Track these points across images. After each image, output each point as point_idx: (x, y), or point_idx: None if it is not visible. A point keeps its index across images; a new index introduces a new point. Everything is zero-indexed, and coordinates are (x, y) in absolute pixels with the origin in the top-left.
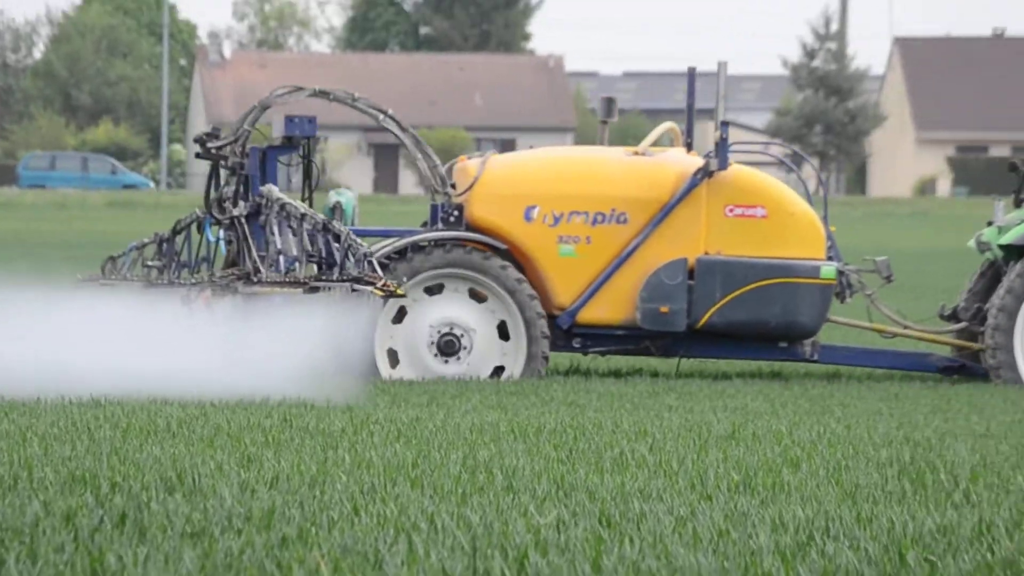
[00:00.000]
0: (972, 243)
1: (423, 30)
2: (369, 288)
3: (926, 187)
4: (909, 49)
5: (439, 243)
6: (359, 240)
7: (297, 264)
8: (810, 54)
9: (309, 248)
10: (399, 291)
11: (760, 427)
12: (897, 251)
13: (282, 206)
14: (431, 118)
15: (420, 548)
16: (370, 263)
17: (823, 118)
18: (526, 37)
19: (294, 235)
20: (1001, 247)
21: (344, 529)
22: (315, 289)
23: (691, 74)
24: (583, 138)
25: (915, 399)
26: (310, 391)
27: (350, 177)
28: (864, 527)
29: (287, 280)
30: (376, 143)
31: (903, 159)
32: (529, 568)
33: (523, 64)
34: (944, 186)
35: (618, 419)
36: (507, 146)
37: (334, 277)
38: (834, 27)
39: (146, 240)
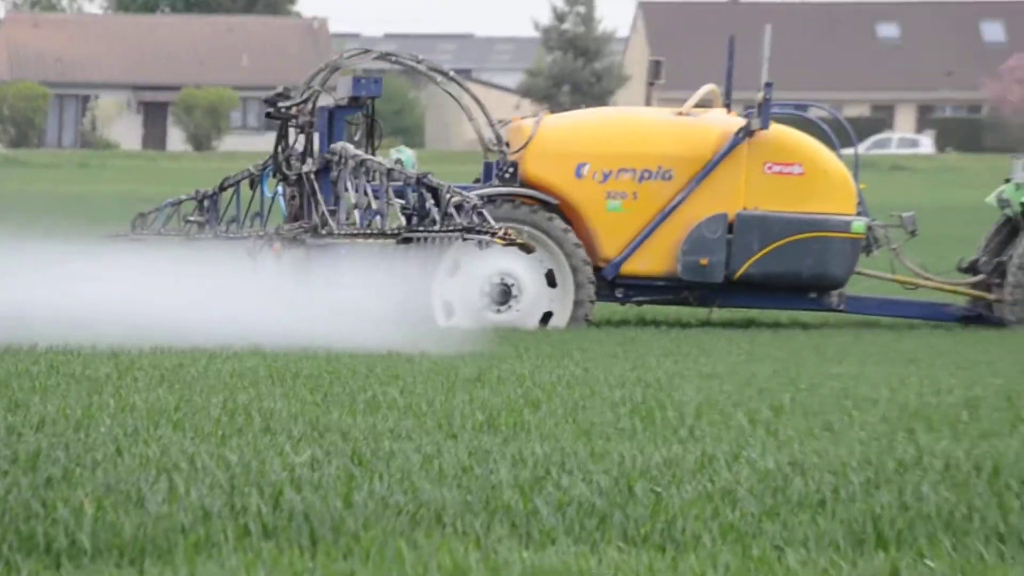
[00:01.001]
0: (991, 199)
1: None
2: (488, 237)
3: None
4: (651, 13)
5: (491, 199)
6: (466, 193)
7: (379, 216)
8: (560, 17)
9: (394, 201)
10: (520, 240)
11: (504, 370)
12: None
13: (361, 162)
14: (200, 77)
15: (181, 486)
16: (481, 214)
17: (571, 78)
18: (292, 0)
19: (374, 190)
20: (1022, 203)
21: (107, 469)
22: (408, 240)
23: (731, 43)
24: None
25: (648, 343)
26: (403, 342)
27: (121, 133)
28: (597, 462)
29: (373, 232)
30: (146, 101)
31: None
32: (284, 504)
33: (289, 26)
34: None
35: (372, 364)
36: None
37: (435, 228)
38: None
39: (183, 197)
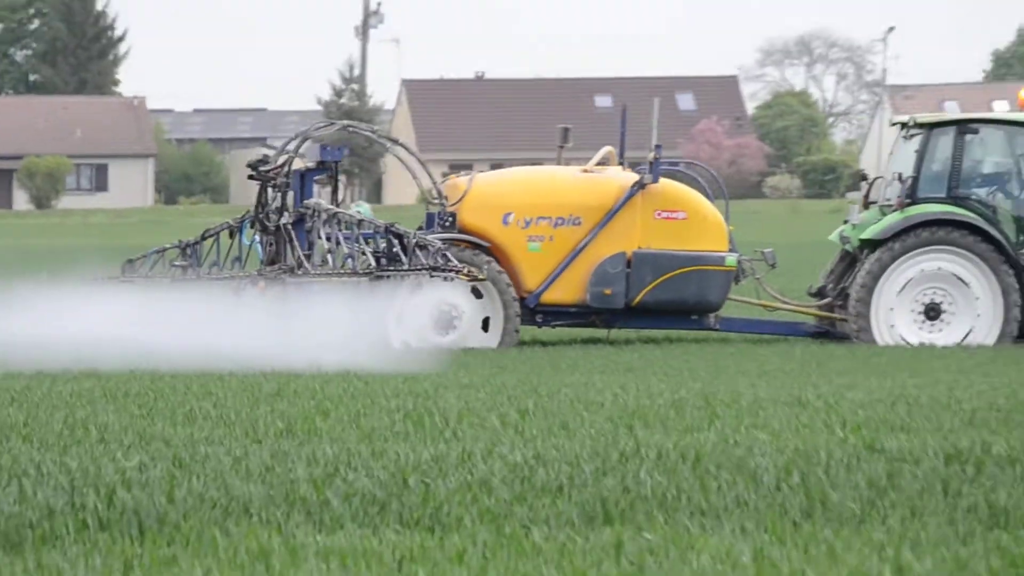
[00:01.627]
0: (834, 236)
1: (32, 77)
2: (453, 274)
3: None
4: (413, 88)
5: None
6: (431, 239)
7: (350, 259)
8: (338, 93)
9: (363, 247)
10: (481, 276)
11: (300, 385)
12: None
13: (334, 214)
14: (39, 148)
15: (29, 489)
16: (445, 256)
17: (349, 143)
18: (116, 82)
19: (347, 237)
20: (860, 240)
21: None
22: (380, 277)
23: (623, 112)
24: (162, 163)
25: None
26: (381, 363)
27: None
28: (377, 459)
29: (348, 271)
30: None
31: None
32: (117, 502)
33: (113, 104)
34: None
35: (189, 382)
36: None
37: (405, 267)
38: (356, 72)
39: (167, 245)
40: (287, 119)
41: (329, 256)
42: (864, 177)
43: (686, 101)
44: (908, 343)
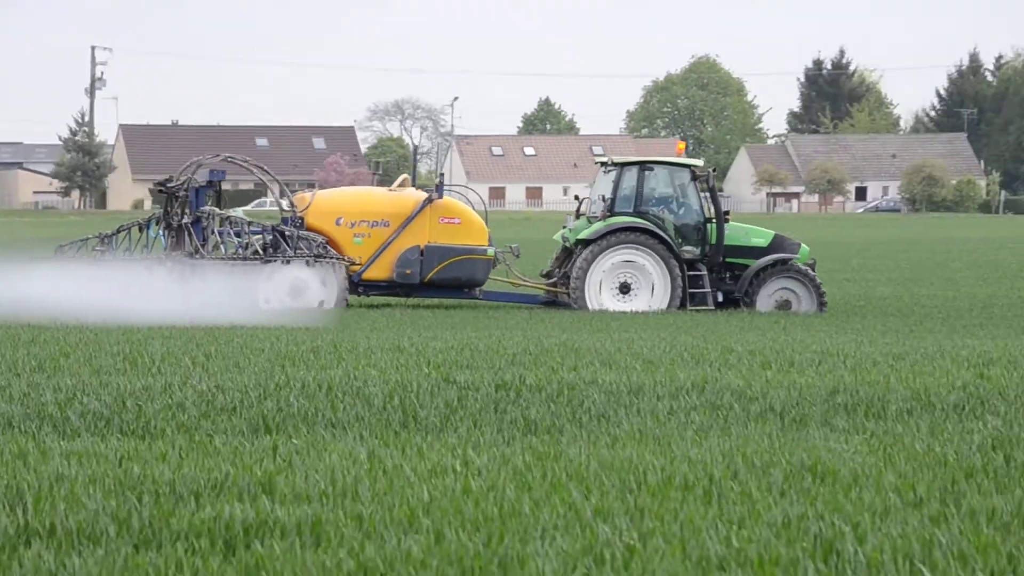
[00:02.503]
0: (557, 236)
1: None
2: (332, 259)
3: (138, 204)
4: (127, 130)
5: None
6: (311, 234)
7: (242, 249)
8: (73, 132)
9: (252, 240)
10: (354, 263)
11: (48, 335)
12: None
13: (226, 218)
14: None
15: None
16: (324, 247)
17: (82, 167)
18: None
19: (235, 233)
20: (577, 239)
21: None
22: (269, 261)
23: (415, 150)
24: None
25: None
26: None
27: None
28: (103, 388)
29: (241, 256)
30: None
31: (125, 189)
32: None
33: None
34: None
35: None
36: None
37: (291, 254)
38: (87, 118)
39: (89, 236)
40: (38, 150)
41: (222, 247)
42: (577, 197)
43: (319, 143)
44: (610, 310)
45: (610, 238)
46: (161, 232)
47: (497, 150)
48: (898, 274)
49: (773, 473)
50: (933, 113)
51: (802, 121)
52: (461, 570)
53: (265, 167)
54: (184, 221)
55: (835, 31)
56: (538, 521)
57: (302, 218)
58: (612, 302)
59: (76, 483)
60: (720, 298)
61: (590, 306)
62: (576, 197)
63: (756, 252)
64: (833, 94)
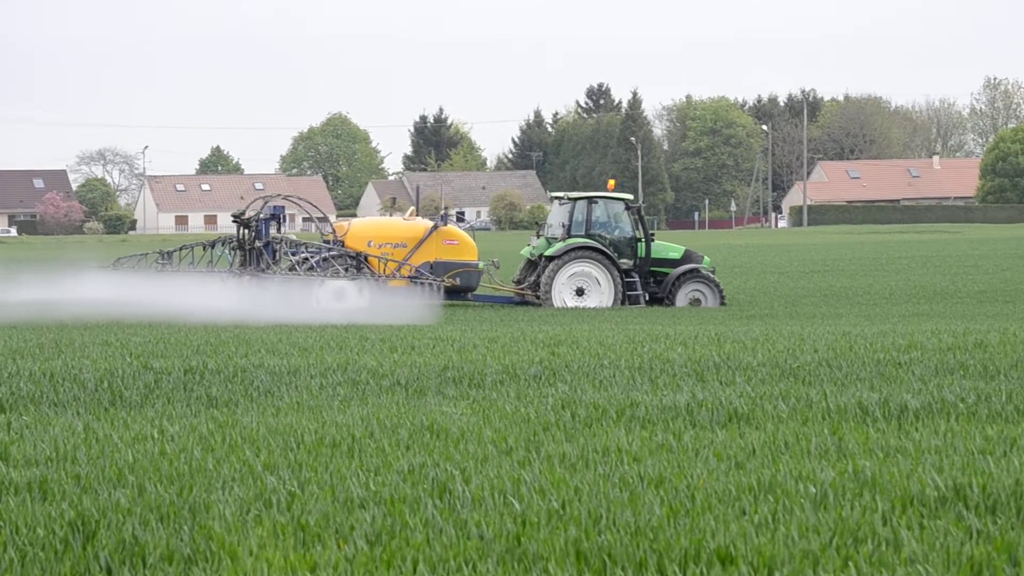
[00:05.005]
0: (524, 252)
1: None
2: (385, 277)
3: None
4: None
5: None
6: (351, 252)
7: (298, 265)
8: None
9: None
10: (394, 281)
11: None
12: None
13: (293, 241)
14: None
15: None
16: (369, 267)
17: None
18: None
19: (294, 253)
20: (544, 255)
21: None
22: (323, 276)
23: (417, 190)
24: None
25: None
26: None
27: None
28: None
29: (300, 272)
30: None
31: None
32: None
33: None
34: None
35: None
36: None
37: (349, 273)
38: None
39: (148, 252)
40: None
41: (294, 264)
42: (538, 223)
43: (39, 183)
44: (569, 307)
45: (569, 255)
46: (227, 251)
47: (180, 186)
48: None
49: (400, 432)
50: (511, 155)
51: (414, 162)
52: (160, 515)
53: (314, 203)
54: (257, 244)
55: (436, 92)
56: (220, 475)
57: (343, 241)
58: (572, 302)
59: None
60: (647, 298)
61: (556, 305)
62: (538, 223)
63: (672, 263)
64: (436, 141)
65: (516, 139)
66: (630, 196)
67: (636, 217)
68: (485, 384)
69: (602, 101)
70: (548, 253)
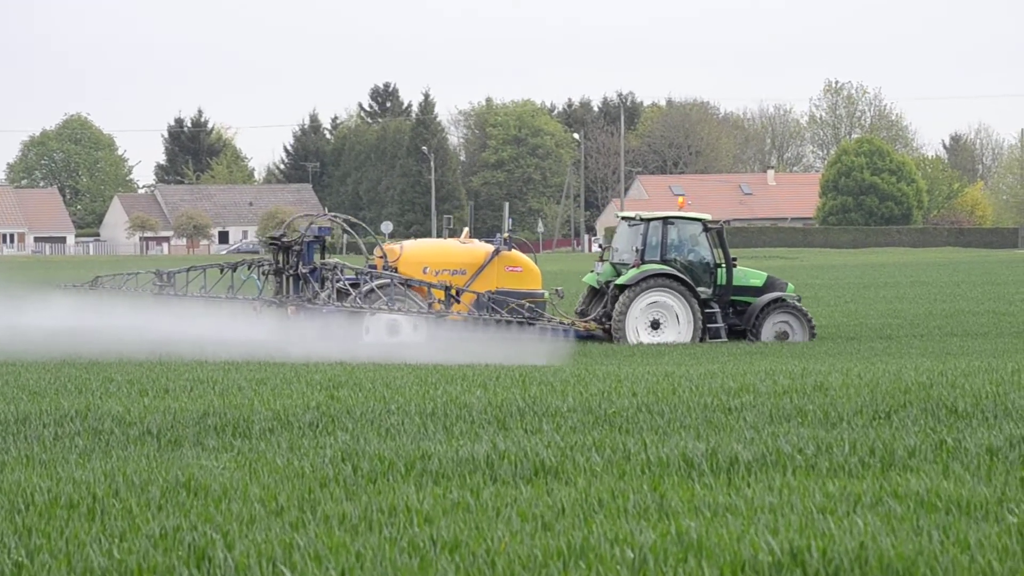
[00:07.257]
0: (588, 279)
1: None
2: (436, 311)
3: None
4: None
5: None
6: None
7: (351, 291)
8: None
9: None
10: (442, 310)
11: None
12: None
13: (341, 267)
14: None
15: None
16: (424, 301)
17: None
18: None
19: (352, 281)
20: (616, 284)
21: None
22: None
23: (472, 207)
24: None
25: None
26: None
27: None
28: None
29: (354, 303)
30: None
31: None
32: None
33: None
34: None
35: None
36: None
37: (388, 304)
38: None
39: (152, 270)
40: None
41: (349, 291)
42: (601, 246)
43: None
44: (644, 343)
45: (643, 283)
46: (254, 276)
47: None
48: None
49: (151, 490)
50: (283, 166)
51: (168, 173)
52: None
53: (363, 224)
54: (302, 270)
55: (194, 92)
56: None
57: (396, 267)
58: (647, 336)
59: None
60: (727, 331)
61: (630, 340)
62: (600, 246)
63: (754, 291)
64: (195, 149)
65: (289, 147)
66: (708, 216)
67: (715, 239)
68: (252, 433)
69: (389, 104)
70: (620, 281)
